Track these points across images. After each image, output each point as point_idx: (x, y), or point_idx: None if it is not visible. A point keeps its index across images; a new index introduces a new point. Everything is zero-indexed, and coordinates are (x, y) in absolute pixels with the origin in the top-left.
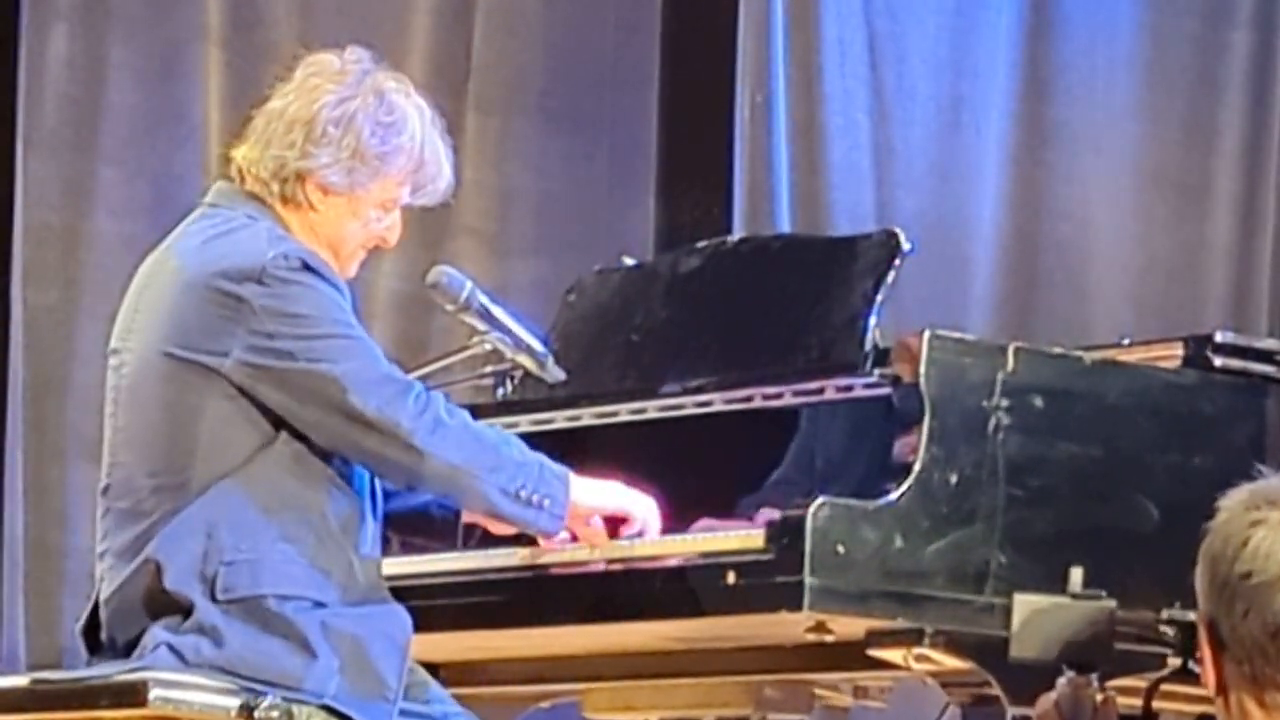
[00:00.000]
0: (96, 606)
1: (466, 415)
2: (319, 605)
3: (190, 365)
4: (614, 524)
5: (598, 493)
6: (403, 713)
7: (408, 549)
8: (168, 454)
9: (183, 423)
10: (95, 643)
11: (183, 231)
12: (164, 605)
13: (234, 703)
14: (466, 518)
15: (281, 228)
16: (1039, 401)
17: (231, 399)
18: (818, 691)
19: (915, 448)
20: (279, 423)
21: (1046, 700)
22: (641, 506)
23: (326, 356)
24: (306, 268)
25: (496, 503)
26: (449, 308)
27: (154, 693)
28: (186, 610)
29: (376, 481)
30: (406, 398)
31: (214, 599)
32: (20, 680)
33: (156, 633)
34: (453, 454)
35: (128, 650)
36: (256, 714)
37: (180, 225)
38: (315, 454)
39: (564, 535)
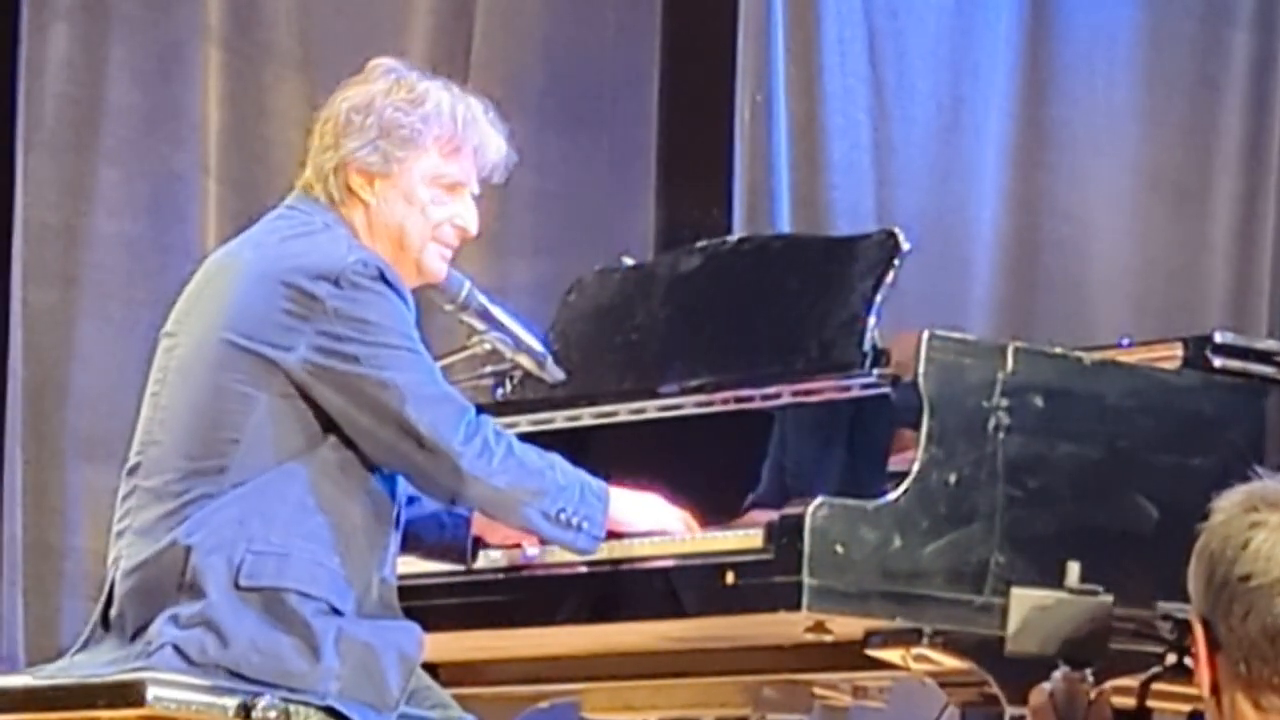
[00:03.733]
0: (113, 585)
1: (513, 439)
2: (336, 612)
3: (251, 355)
4: None
5: (635, 511)
6: (404, 717)
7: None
8: (209, 439)
9: (231, 410)
10: (105, 618)
11: (260, 228)
12: (182, 589)
13: (232, 702)
14: (475, 530)
15: (354, 236)
16: (1039, 402)
17: (286, 397)
18: (817, 691)
19: (914, 448)
20: (328, 427)
21: (1041, 692)
22: (676, 522)
23: (390, 365)
24: (383, 278)
25: (537, 525)
26: (448, 307)
27: (152, 692)
28: (198, 596)
29: (401, 508)
30: (460, 419)
31: (236, 585)
32: (19, 680)
33: (163, 628)
34: (498, 479)
35: (135, 634)
36: (254, 714)
37: (257, 224)
38: (358, 467)
39: None
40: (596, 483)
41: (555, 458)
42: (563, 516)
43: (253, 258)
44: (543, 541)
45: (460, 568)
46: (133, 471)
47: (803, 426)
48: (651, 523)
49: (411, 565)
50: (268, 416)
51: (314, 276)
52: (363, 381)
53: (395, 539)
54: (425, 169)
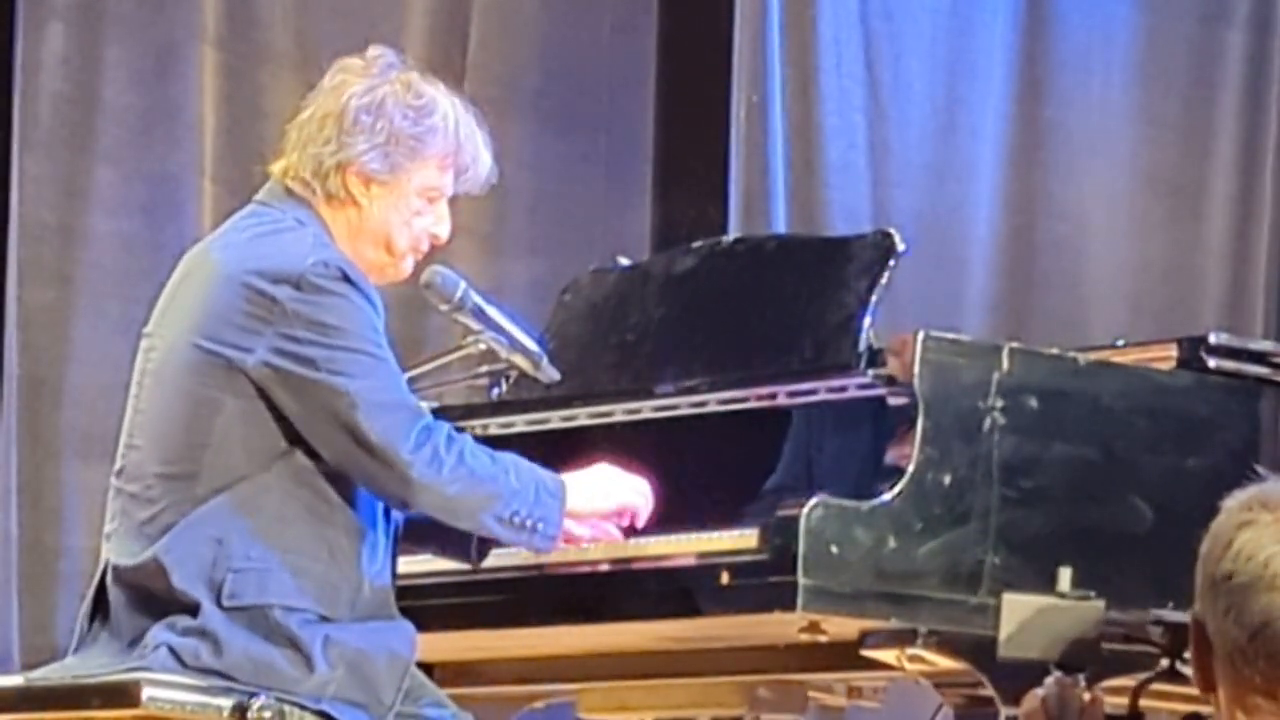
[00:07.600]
0: (103, 585)
1: (466, 445)
2: (324, 620)
3: (215, 358)
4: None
5: (593, 497)
6: (399, 717)
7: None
8: (181, 445)
9: (200, 415)
10: (105, 618)
11: (231, 225)
12: (170, 605)
13: (227, 703)
14: None
15: (327, 234)
16: (1034, 402)
17: (250, 399)
18: (811, 692)
19: (909, 448)
20: (297, 432)
21: (1033, 698)
22: (636, 496)
23: (345, 370)
24: (345, 279)
25: (492, 529)
26: (443, 308)
27: (147, 693)
28: (192, 610)
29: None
30: (411, 427)
31: (219, 604)
32: (14, 680)
33: (158, 633)
34: (449, 487)
35: (132, 642)
36: (249, 715)
37: (230, 219)
38: (333, 469)
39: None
40: (551, 479)
41: (510, 458)
42: (516, 519)
43: (221, 259)
44: (500, 544)
45: (464, 566)
46: (119, 474)
47: (798, 426)
48: (613, 504)
49: (406, 566)
50: (234, 421)
51: (274, 279)
52: (317, 387)
53: (386, 538)
54: (421, 180)
